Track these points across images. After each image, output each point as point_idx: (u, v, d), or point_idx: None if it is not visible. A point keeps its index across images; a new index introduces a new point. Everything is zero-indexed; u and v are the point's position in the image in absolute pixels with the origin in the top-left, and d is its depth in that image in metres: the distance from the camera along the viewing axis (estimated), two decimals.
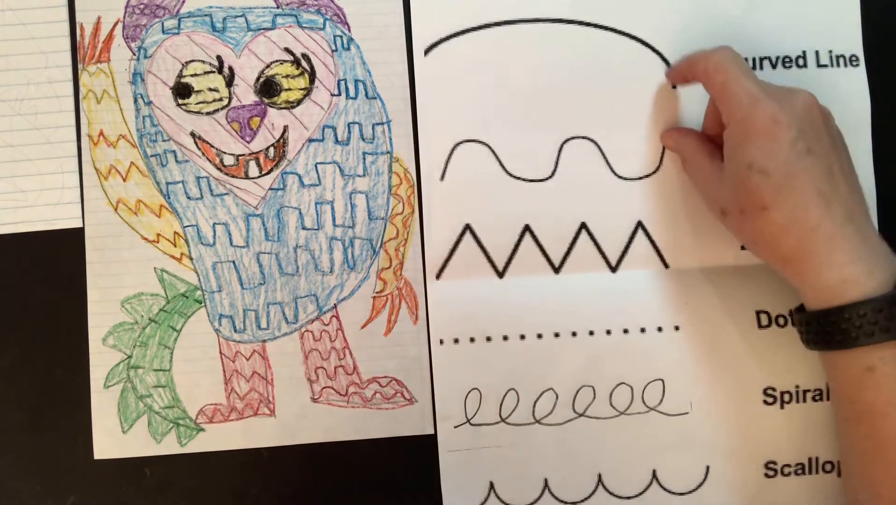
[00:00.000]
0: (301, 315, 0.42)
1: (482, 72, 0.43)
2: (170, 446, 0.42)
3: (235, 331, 0.42)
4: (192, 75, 0.42)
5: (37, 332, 0.42)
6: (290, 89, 0.42)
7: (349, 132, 0.43)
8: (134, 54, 0.42)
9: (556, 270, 0.43)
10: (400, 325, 0.42)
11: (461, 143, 0.43)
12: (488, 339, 0.42)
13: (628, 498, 0.42)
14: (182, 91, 0.42)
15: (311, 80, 0.42)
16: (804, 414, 0.42)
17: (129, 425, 0.42)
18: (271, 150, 0.42)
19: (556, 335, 0.42)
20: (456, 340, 0.42)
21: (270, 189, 0.42)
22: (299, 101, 0.42)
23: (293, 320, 0.42)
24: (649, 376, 0.42)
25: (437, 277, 0.42)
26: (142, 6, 0.42)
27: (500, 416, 0.42)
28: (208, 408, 0.42)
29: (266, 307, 0.42)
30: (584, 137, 0.43)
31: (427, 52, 0.43)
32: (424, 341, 0.42)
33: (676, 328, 0.43)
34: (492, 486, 0.42)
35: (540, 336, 0.42)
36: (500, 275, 0.42)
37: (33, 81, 0.42)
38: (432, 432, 0.42)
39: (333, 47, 0.43)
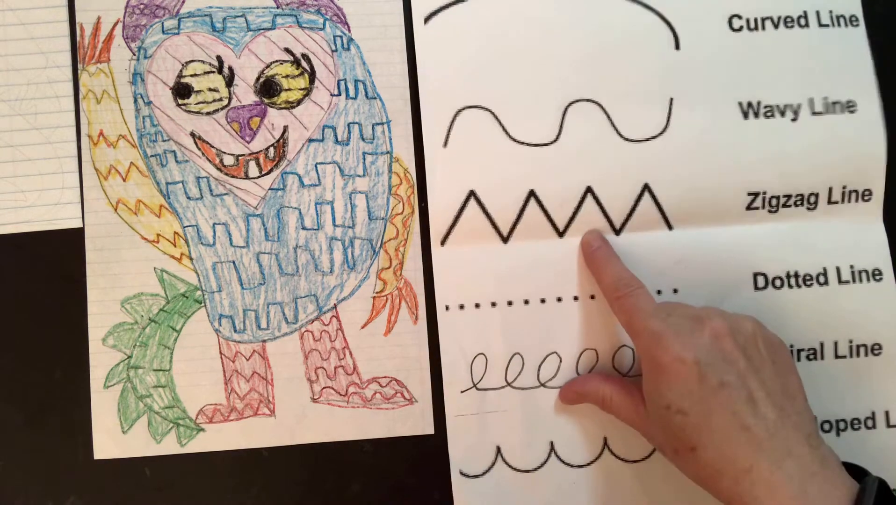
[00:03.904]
0: (301, 315, 0.42)
1: (483, 38, 0.42)
2: (170, 446, 0.42)
3: (235, 331, 0.42)
4: (191, 75, 0.42)
5: (37, 332, 0.42)
6: (289, 89, 0.42)
7: (349, 132, 0.43)
8: (134, 54, 0.42)
9: (561, 234, 0.42)
10: (400, 325, 0.42)
11: (463, 109, 0.42)
12: (493, 304, 0.42)
13: (634, 462, 0.42)
14: (182, 91, 0.42)
15: (311, 81, 0.42)
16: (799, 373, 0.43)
17: (129, 425, 0.42)
18: (271, 150, 0.42)
19: (559, 299, 0.42)
20: (461, 306, 0.42)
21: (270, 189, 0.42)
22: (299, 102, 0.42)
23: (293, 320, 0.42)
24: None
25: (442, 243, 0.42)
26: (142, 6, 0.42)
27: (506, 380, 0.42)
28: (208, 408, 0.42)
29: (266, 307, 0.42)
30: (588, 100, 0.42)
31: (427, 19, 0.43)
32: (424, 341, 0.42)
33: (675, 291, 0.43)
34: (499, 450, 0.42)
35: (543, 301, 0.42)
36: (505, 240, 0.42)
37: (33, 81, 0.42)
38: (432, 432, 0.42)
39: (333, 47, 0.43)
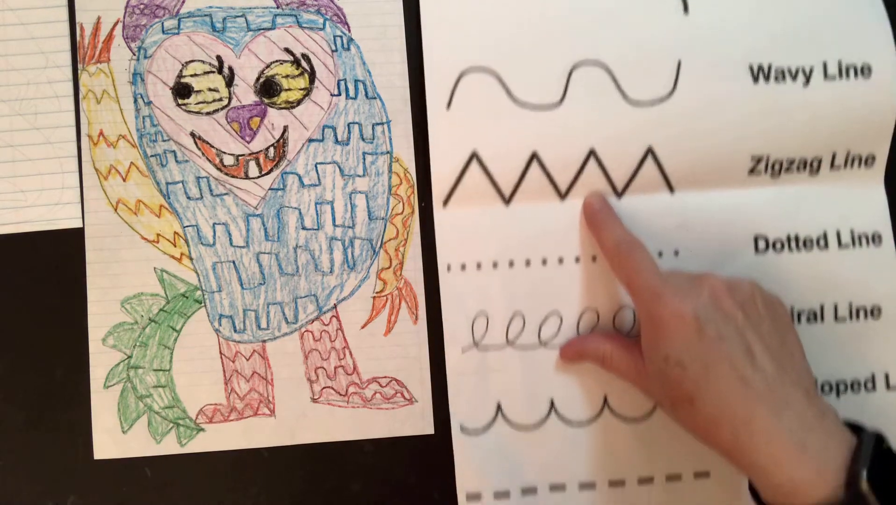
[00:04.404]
0: (301, 315, 0.42)
1: (489, 0, 0.42)
2: (170, 446, 0.42)
3: (235, 331, 0.42)
4: (191, 75, 0.42)
5: (37, 332, 0.42)
6: (289, 89, 0.42)
7: (349, 132, 0.43)
8: (134, 54, 0.42)
9: (563, 196, 0.42)
10: (400, 325, 0.42)
11: (467, 71, 0.42)
12: (494, 265, 0.42)
13: (634, 420, 0.42)
14: (182, 91, 0.42)
15: (311, 81, 0.43)
16: (799, 335, 0.43)
17: (129, 425, 0.42)
18: (271, 150, 0.42)
19: (560, 260, 0.42)
20: (463, 267, 0.42)
21: (270, 189, 0.42)
22: (299, 102, 0.42)
23: (293, 320, 0.42)
24: None
25: (444, 204, 0.42)
26: (142, 6, 0.42)
27: (507, 339, 0.42)
28: (208, 408, 0.42)
29: (266, 307, 0.42)
30: (594, 62, 0.42)
31: None
32: (424, 341, 0.42)
33: (676, 253, 0.43)
34: (499, 407, 0.42)
35: (545, 261, 0.42)
36: (507, 202, 0.42)
37: (33, 81, 0.42)
38: (432, 432, 0.42)
39: (333, 47, 0.43)
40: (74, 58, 0.42)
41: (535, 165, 0.42)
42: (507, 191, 0.42)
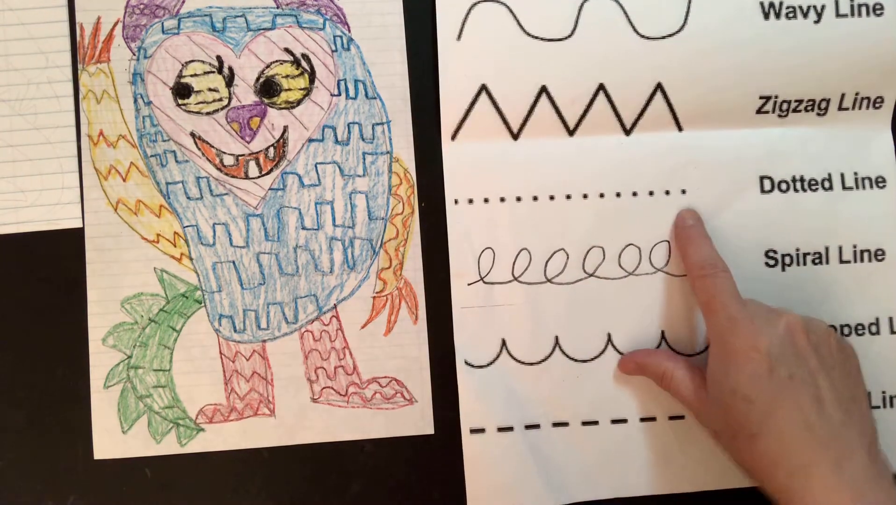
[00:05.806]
0: (301, 315, 0.42)
1: None
2: (170, 446, 0.42)
3: (235, 331, 0.42)
4: (191, 75, 0.42)
5: (37, 332, 0.42)
6: (289, 89, 0.42)
7: (349, 132, 0.43)
8: (134, 54, 0.42)
9: (571, 132, 0.43)
10: (400, 325, 0.42)
11: (479, 2, 0.42)
12: (502, 199, 0.43)
13: None
14: (182, 91, 0.42)
15: (311, 81, 0.43)
16: (804, 276, 0.43)
17: (129, 425, 0.42)
18: (271, 150, 0.42)
19: (568, 197, 0.43)
20: (470, 201, 0.43)
21: (270, 189, 0.42)
22: (299, 102, 0.42)
23: (293, 320, 0.42)
24: (656, 238, 0.43)
25: (453, 138, 0.42)
26: (142, 6, 0.42)
27: (513, 274, 0.43)
28: (208, 408, 0.42)
29: (266, 307, 0.42)
30: None
31: None
32: (424, 341, 0.42)
33: (683, 192, 0.43)
34: (504, 343, 0.42)
35: (552, 197, 0.43)
36: (515, 137, 0.43)
37: (33, 81, 0.42)
38: (432, 432, 0.42)
39: (333, 47, 0.43)
40: (74, 58, 0.42)
41: (544, 99, 0.42)
42: (515, 125, 0.42)
